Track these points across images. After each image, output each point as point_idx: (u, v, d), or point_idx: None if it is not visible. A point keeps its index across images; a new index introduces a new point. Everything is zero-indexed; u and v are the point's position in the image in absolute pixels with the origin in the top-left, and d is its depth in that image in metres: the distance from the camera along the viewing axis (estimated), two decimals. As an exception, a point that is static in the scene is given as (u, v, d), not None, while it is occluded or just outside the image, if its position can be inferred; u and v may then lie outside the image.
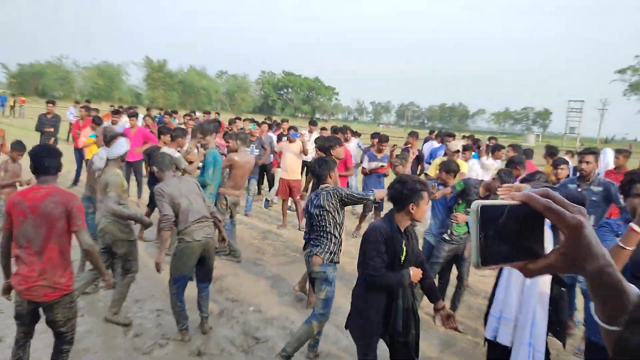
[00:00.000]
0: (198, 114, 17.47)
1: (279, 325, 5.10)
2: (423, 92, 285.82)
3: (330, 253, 4.21)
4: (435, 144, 11.28)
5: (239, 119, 13.13)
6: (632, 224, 2.73)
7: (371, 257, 3.15)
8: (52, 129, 11.98)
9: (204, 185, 6.10)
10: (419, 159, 10.05)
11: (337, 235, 4.24)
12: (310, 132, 11.59)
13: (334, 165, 4.41)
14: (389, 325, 3.22)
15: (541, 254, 0.77)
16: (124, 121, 11.72)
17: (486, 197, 4.87)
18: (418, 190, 3.17)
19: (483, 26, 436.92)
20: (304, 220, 5.25)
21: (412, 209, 3.17)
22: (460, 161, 7.81)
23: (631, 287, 0.78)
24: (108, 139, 5.09)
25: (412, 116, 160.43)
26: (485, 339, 3.47)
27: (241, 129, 10.82)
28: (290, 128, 9.73)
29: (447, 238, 5.24)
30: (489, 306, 3.42)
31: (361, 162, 9.12)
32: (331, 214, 4.17)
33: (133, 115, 10.28)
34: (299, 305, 5.63)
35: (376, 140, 8.80)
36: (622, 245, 2.74)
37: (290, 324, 5.12)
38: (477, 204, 0.75)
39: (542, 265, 0.77)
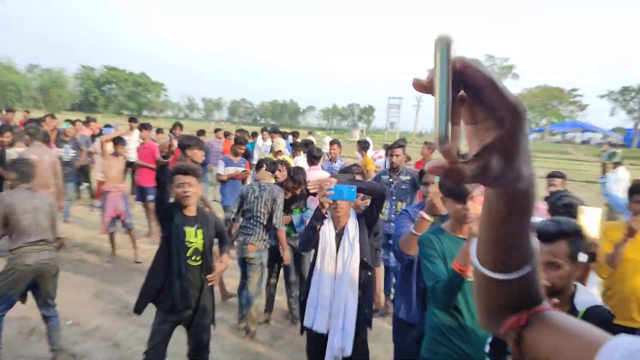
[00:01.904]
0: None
1: (100, 337, 4.79)
2: (255, 88, 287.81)
3: (263, 240, 4.90)
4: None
5: (52, 116, 11.97)
6: (422, 212, 3.05)
7: None
8: None
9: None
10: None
11: (266, 224, 4.92)
12: (132, 129, 10.98)
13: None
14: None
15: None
16: None
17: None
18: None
19: (308, 30, 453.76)
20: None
21: None
22: (287, 158, 8.06)
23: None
24: None
25: (245, 113, 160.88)
26: (303, 328, 3.60)
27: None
28: (105, 126, 9.14)
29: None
30: (305, 296, 3.57)
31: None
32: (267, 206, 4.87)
33: None
34: (124, 313, 5.35)
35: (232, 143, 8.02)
36: (414, 231, 3.06)
37: (114, 335, 4.84)
38: (446, 37, 0.50)
39: (475, 167, 0.56)
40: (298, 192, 5.34)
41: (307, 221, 5.42)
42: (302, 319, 3.58)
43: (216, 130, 12.49)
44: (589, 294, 2.07)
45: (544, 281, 1.94)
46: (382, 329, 5.20)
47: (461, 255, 2.28)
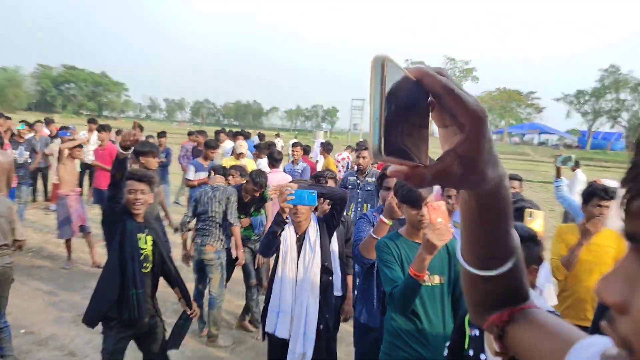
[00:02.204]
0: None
1: (54, 346, 4.65)
2: (218, 89, 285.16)
3: (221, 240, 4.93)
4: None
5: (6, 116, 11.50)
6: (381, 216, 3.08)
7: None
8: None
9: None
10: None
11: (222, 224, 4.94)
12: (90, 131, 10.68)
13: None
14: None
15: (423, 157, 0.57)
16: None
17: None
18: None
19: (277, 28, 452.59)
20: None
21: None
22: (249, 161, 8.01)
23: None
24: None
25: (208, 113, 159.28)
26: (265, 333, 3.58)
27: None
28: (61, 128, 8.87)
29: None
30: (267, 301, 3.55)
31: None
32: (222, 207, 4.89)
33: None
34: (80, 320, 5.18)
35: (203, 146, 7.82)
36: (373, 235, 3.07)
37: (69, 343, 4.70)
38: (382, 56, 0.50)
39: (436, 170, 0.56)
40: (258, 194, 5.34)
41: (267, 224, 5.45)
42: (263, 325, 3.56)
43: (190, 134, 12.05)
44: (540, 298, 2.13)
45: None
46: (345, 332, 5.21)
47: (417, 260, 2.29)
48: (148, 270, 3.42)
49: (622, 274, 0.44)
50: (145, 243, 3.39)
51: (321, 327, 3.40)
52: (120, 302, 3.29)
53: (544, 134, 70.09)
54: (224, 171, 5.47)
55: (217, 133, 11.43)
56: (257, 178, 5.22)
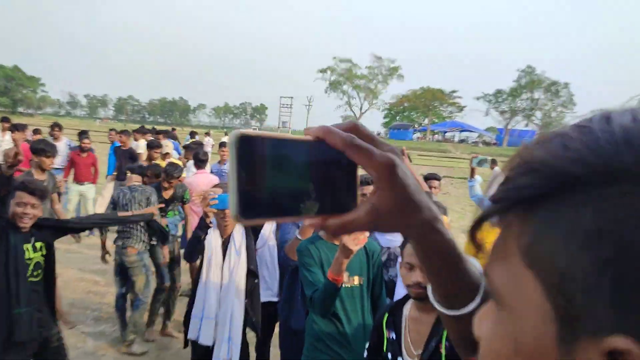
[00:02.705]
0: None
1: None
2: (142, 85, 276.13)
3: (143, 242, 4.82)
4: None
5: None
6: (306, 218, 3.14)
7: None
8: None
9: None
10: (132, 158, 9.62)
11: (144, 225, 4.84)
12: (3, 130, 10.03)
13: None
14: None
15: (352, 207, 0.58)
16: None
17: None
18: None
19: (198, 21, 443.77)
20: None
21: None
22: (176, 161, 7.85)
23: (469, 258, 0.67)
24: None
25: (132, 110, 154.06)
26: (187, 340, 3.54)
27: None
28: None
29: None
30: (190, 307, 3.51)
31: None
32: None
33: None
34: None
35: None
36: (298, 237, 3.15)
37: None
38: (236, 134, 0.53)
39: (348, 220, 0.56)
40: (173, 184, 5.36)
41: (187, 226, 5.45)
42: (186, 332, 3.52)
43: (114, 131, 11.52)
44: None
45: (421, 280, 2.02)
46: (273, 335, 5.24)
47: (334, 264, 2.35)
48: (39, 278, 3.21)
49: (482, 310, 0.50)
50: (35, 251, 3.18)
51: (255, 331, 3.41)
52: (6, 324, 3.03)
53: (464, 131, 73.03)
54: (141, 170, 5.39)
55: (133, 132, 11.03)
56: (170, 168, 5.28)
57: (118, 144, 9.37)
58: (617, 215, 0.35)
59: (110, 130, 11.27)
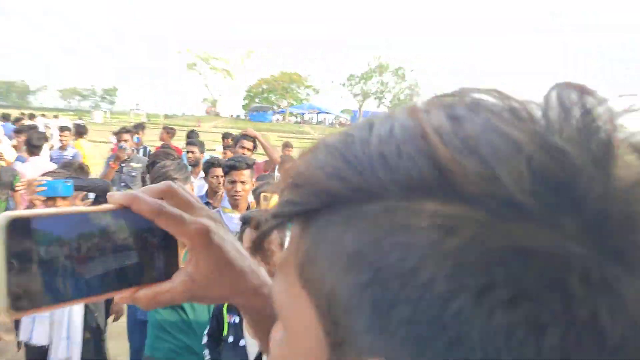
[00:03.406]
0: None
1: None
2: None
3: None
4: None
5: None
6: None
7: None
8: None
9: None
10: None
11: None
12: None
13: None
14: None
15: (171, 275, 0.54)
16: None
17: None
18: None
19: None
20: None
21: None
22: (5, 148, 7.13)
23: None
24: None
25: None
26: (19, 342, 3.34)
27: None
28: None
29: None
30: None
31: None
32: None
33: None
34: None
35: None
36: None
37: None
38: (5, 217, 0.46)
39: (160, 291, 0.52)
40: None
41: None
42: (17, 333, 3.27)
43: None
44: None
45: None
46: (122, 328, 5.02)
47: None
48: None
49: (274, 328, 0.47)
50: None
51: (92, 327, 3.26)
52: None
53: (321, 113, 75.38)
54: None
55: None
56: None
57: None
58: (375, 235, 0.32)
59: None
